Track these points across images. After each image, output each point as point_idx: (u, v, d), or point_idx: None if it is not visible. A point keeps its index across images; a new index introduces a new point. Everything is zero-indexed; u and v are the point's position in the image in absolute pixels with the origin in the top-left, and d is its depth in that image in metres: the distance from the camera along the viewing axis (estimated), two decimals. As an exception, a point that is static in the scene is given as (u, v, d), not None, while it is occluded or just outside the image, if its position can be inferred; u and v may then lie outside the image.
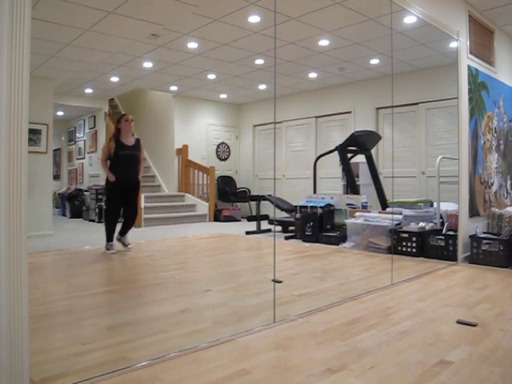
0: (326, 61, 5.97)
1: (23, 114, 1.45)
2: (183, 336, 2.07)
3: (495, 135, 4.68)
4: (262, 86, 7.61)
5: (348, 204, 5.33)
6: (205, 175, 8.21)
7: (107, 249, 4.46)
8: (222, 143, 9.16)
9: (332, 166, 6.57)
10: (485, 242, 3.85)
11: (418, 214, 4.68)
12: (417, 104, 6.25)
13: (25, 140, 1.45)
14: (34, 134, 5.75)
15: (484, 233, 4.25)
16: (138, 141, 4.65)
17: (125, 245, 4.62)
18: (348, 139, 5.60)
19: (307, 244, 5.19)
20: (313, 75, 6.80)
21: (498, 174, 4.76)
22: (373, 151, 5.88)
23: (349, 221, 4.99)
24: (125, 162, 4.44)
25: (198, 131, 8.67)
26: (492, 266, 3.75)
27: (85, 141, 9.15)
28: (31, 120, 5.22)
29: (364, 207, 5.20)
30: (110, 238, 4.50)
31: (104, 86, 7.29)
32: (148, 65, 6.14)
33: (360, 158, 5.93)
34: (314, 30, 4.77)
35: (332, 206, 5.48)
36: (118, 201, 4.49)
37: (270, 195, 6.66)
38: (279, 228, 6.40)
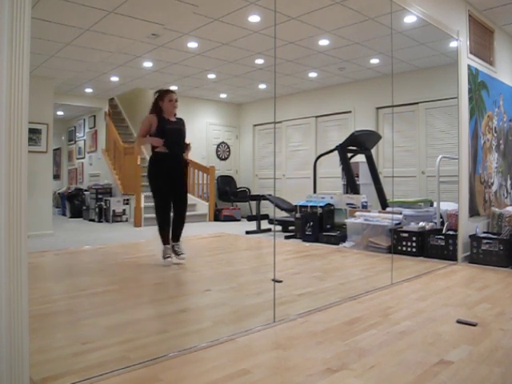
0: (325, 60, 5.97)
1: (23, 113, 1.44)
2: (183, 336, 2.07)
3: (495, 135, 4.68)
4: (262, 86, 7.61)
5: (348, 204, 5.32)
6: (205, 175, 8.21)
7: (163, 256, 3.72)
8: (222, 143, 9.15)
9: (332, 166, 6.56)
10: (485, 241, 3.84)
11: (418, 214, 4.68)
12: (417, 104, 6.25)
13: (25, 140, 1.45)
14: (34, 134, 5.75)
15: (484, 232, 4.25)
16: (181, 119, 3.88)
17: (177, 254, 3.76)
18: (348, 139, 5.60)
19: (307, 244, 5.19)
20: (313, 75, 6.80)
21: (498, 173, 4.76)
22: (373, 151, 5.88)
23: (349, 220, 4.99)
24: (170, 139, 3.65)
25: (198, 131, 8.67)
26: (492, 265, 3.75)
27: (85, 140, 9.15)
28: (31, 119, 5.20)
29: (364, 207, 5.20)
30: (165, 240, 3.74)
31: (104, 85, 7.28)
32: (148, 64, 6.13)
33: (360, 158, 5.93)
34: (313, 29, 4.77)
35: (332, 205, 5.48)
36: (167, 187, 3.69)
37: (270, 195, 6.66)
38: (279, 228, 6.40)
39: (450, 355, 1.81)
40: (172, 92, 3.78)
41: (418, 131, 6.29)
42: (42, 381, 1.55)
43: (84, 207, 8.16)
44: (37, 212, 5.62)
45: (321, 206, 5.42)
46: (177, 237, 3.82)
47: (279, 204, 6.30)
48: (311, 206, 5.52)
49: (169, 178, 3.70)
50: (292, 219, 5.97)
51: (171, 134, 3.68)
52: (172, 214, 3.81)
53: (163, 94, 3.74)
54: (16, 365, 1.40)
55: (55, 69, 5.63)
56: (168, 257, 3.70)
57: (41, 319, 2.25)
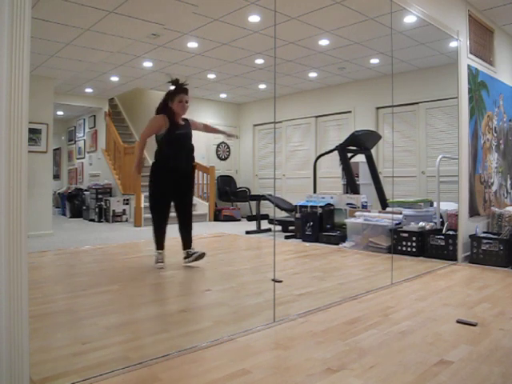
0: (325, 60, 5.97)
1: (23, 113, 1.44)
2: (183, 336, 2.07)
3: (495, 135, 4.68)
4: (262, 86, 7.61)
5: (348, 204, 5.32)
6: (205, 175, 8.21)
7: (156, 261, 3.60)
8: (222, 143, 9.15)
9: (332, 166, 6.57)
10: (485, 241, 3.84)
11: (418, 214, 4.68)
12: (417, 104, 6.25)
13: (25, 140, 1.45)
14: (34, 134, 5.75)
15: (484, 232, 4.25)
16: (187, 120, 3.82)
17: (195, 255, 3.73)
18: (348, 139, 5.60)
19: (307, 244, 5.19)
20: (313, 75, 6.80)
21: (497, 173, 4.76)
22: (373, 151, 5.88)
23: (349, 220, 4.99)
24: (179, 145, 3.59)
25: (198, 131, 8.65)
26: (492, 265, 3.75)
27: (85, 140, 9.15)
28: (31, 119, 5.20)
29: (364, 207, 5.20)
30: (159, 245, 3.63)
31: (104, 85, 7.28)
32: (148, 64, 6.14)
33: (360, 158, 5.93)
34: (314, 29, 4.77)
35: (332, 205, 5.47)
36: (168, 194, 3.60)
37: (270, 195, 6.66)
38: (279, 228, 6.40)
39: (450, 355, 1.81)
40: (183, 93, 3.56)
41: (417, 131, 6.29)
42: (42, 381, 1.55)
43: (84, 207, 8.16)
44: (37, 212, 5.62)
45: (321, 206, 5.42)
46: (189, 244, 3.78)
47: (279, 204, 6.30)
48: (311, 206, 5.52)
49: (174, 185, 3.59)
50: (292, 219, 5.97)
51: (181, 140, 3.61)
52: (179, 222, 3.76)
53: (173, 95, 3.54)
54: (16, 365, 1.40)
55: (55, 69, 5.63)
56: (160, 262, 3.62)
57: (41, 319, 2.25)
